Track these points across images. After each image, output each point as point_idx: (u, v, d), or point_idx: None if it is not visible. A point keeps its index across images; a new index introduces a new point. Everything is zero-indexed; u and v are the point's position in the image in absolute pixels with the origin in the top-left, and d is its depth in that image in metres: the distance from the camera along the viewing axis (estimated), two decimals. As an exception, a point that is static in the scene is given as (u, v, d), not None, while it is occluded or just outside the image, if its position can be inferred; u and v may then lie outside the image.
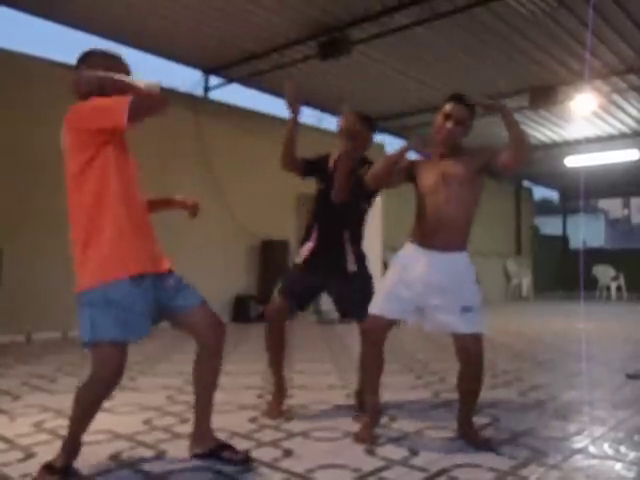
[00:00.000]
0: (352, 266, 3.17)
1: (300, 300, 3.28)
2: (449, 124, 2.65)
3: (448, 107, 2.67)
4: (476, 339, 2.63)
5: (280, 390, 3.26)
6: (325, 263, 3.17)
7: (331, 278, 3.20)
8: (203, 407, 2.45)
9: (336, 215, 3.16)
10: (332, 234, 3.19)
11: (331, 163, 3.27)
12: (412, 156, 2.83)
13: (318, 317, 8.56)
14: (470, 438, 2.69)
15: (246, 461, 2.37)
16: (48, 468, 2.13)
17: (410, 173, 2.80)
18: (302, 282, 3.22)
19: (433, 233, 2.67)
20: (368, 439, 2.68)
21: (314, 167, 3.29)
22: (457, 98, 2.67)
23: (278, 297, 3.22)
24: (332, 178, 3.17)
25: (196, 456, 2.43)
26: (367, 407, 2.85)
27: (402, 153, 2.70)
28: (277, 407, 3.19)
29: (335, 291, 3.27)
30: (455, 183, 2.65)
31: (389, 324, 2.73)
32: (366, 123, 3.23)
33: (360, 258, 3.24)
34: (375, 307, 2.75)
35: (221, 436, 2.71)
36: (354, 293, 3.14)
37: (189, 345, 6.40)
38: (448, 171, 2.68)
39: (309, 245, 3.22)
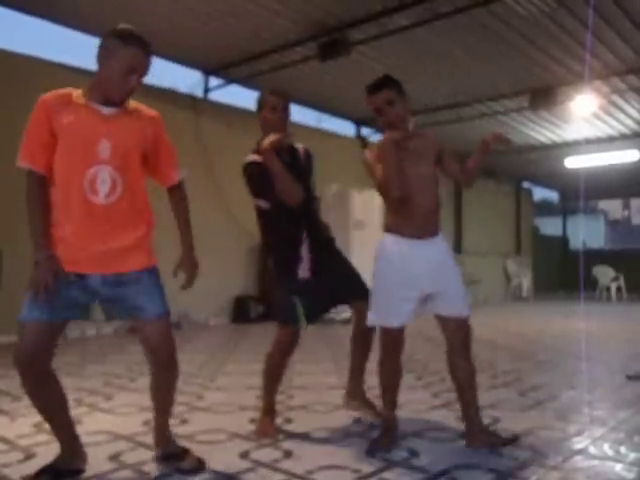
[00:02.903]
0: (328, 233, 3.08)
1: (321, 311, 3.08)
2: (379, 104, 2.62)
3: (373, 100, 2.63)
4: (467, 320, 2.67)
5: (274, 409, 3.01)
6: (323, 265, 2.95)
7: (333, 273, 2.98)
8: (160, 415, 2.41)
9: (304, 214, 2.91)
10: (315, 235, 2.97)
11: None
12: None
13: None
14: (480, 440, 2.60)
15: (193, 471, 2.30)
16: None
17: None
18: (320, 296, 2.94)
19: (420, 220, 2.62)
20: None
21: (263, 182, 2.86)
22: (373, 88, 2.62)
23: (301, 326, 2.90)
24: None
25: (156, 459, 2.40)
26: (382, 422, 2.75)
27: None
28: (272, 426, 2.93)
29: (331, 275, 2.97)
30: (423, 165, 2.65)
31: (404, 331, 2.68)
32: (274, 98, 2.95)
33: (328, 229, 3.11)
34: (387, 318, 2.63)
35: (221, 437, 2.72)
36: (345, 265, 3.04)
37: (189, 346, 6.42)
38: (413, 148, 2.65)
39: (304, 266, 2.91)
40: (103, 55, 2.16)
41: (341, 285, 3.00)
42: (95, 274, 2.18)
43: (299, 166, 2.95)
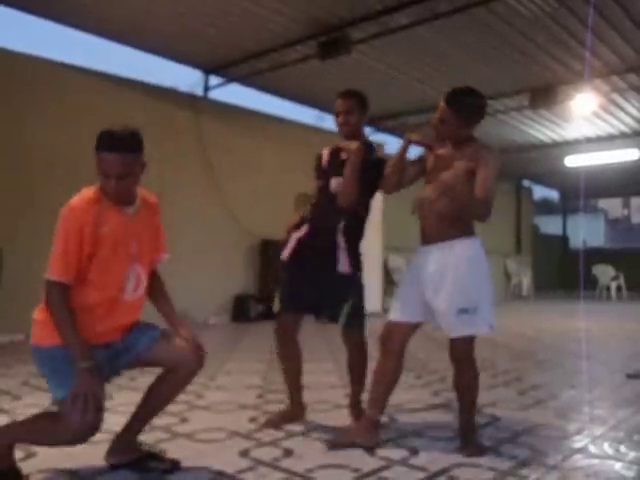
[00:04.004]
0: (343, 267, 2.89)
1: (309, 309, 3.00)
2: (434, 119, 2.67)
3: (440, 104, 2.65)
4: (465, 341, 2.55)
5: (295, 404, 3.05)
6: (313, 257, 2.93)
7: (319, 274, 2.93)
8: (144, 419, 2.40)
9: (332, 211, 2.91)
10: (325, 227, 2.94)
11: (325, 157, 3.12)
12: (414, 151, 2.83)
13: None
14: (462, 448, 2.56)
15: (172, 470, 2.30)
16: None
17: (425, 163, 2.79)
18: (298, 287, 2.96)
19: (427, 225, 2.64)
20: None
21: (319, 167, 3.15)
22: (447, 98, 2.62)
23: (283, 314, 3.01)
24: (326, 173, 3.03)
25: (113, 466, 2.34)
26: (363, 421, 2.72)
27: (403, 149, 2.70)
28: (281, 419, 2.97)
29: (319, 288, 2.94)
30: (444, 171, 2.61)
31: (406, 330, 2.64)
32: (357, 101, 3.01)
33: (354, 262, 2.95)
34: (390, 311, 2.71)
35: (221, 436, 2.72)
36: (338, 296, 2.91)
37: (189, 345, 6.34)
38: (442, 159, 2.65)
39: (297, 234, 3.01)
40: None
41: (327, 301, 2.95)
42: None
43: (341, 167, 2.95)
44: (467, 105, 2.62)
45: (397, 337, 2.65)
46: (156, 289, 2.46)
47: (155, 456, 2.39)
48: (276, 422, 2.95)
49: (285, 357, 3.07)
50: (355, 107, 2.97)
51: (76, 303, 2.18)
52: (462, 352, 2.58)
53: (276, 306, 3.04)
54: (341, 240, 2.91)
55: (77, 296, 2.18)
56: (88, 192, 2.23)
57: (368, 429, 2.65)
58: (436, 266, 2.57)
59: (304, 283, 2.95)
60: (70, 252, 2.14)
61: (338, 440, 2.67)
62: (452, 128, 2.61)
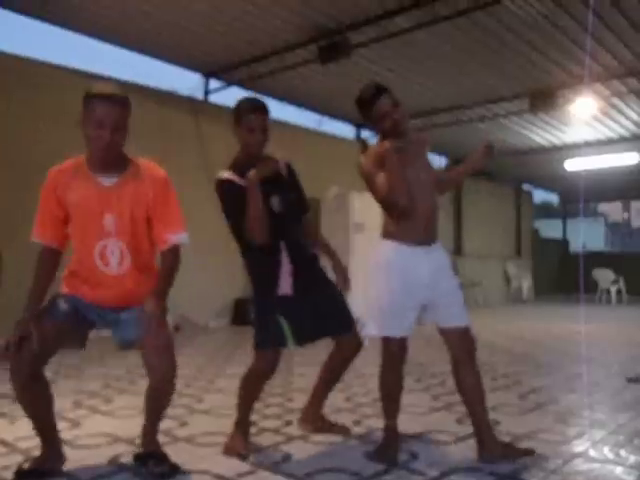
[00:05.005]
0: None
1: (310, 334, 2.74)
2: (402, 116, 2.67)
3: (379, 106, 2.68)
4: (469, 329, 2.59)
5: (248, 424, 2.75)
6: (308, 281, 2.71)
7: (317, 296, 2.74)
8: (148, 420, 2.38)
9: (287, 226, 2.69)
10: (296, 251, 2.70)
11: (240, 182, 2.62)
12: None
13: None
14: (491, 450, 2.48)
15: (162, 476, 2.25)
16: None
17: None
18: (300, 315, 2.66)
19: (423, 222, 2.56)
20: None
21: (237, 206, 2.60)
22: (373, 95, 2.71)
23: (271, 352, 2.63)
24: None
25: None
26: (384, 433, 2.63)
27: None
28: (243, 442, 2.64)
29: (316, 305, 2.74)
30: (423, 170, 2.62)
31: (407, 341, 2.62)
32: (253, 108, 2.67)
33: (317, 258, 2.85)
34: (390, 328, 2.54)
35: (221, 439, 2.71)
36: (337, 299, 2.80)
37: (189, 348, 6.41)
38: (407, 155, 2.57)
39: (285, 269, 2.66)
40: (81, 119, 2.21)
41: (329, 315, 2.76)
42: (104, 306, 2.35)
43: (282, 182, 2.76)
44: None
45: (403, 352, 2.61)
46: (159, 270, 2.39)
47: (155, 458, 2.34)
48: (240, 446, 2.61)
49: (261, 390, 2.76)
50: (268, 122, 2.69)
51: (71, 265, 2.33)
52: (472, 342, 2.58)
53: (280, 338, 2.62)
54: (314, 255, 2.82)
55: (73, 257, 2.33)
56: (70, 160, 2.33)
57: (394, 440, 2.59)
58: (435, 266, 2.56)
59: (307, 312, 2.68)
60: (44, 214, 2.29)
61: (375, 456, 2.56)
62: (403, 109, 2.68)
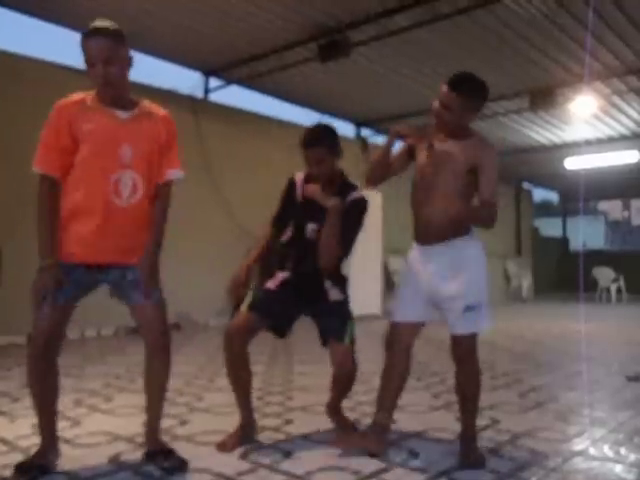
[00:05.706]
0: (335, 295, 2.81)
1: (278, 321, 2.81)
2: (435, 104, 2.57)
3: (442, 89, 2.55)
4: (468, 338, 2.52)
5: (245, 422, 2.75)
6: (301, 293, 2.80)
7: (309, 306, 2.83)
8: (150, 409, 2.45)
9: (311, 259, 2.75)
10: (306, 272, 2.79)
11: (299, 187, 2.84)
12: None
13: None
14: (463, 456, 2.47)
15: (171, 471, 2.28)
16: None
17: (412, 153, 2.71)
18: (280, 300, 2.78)
19: (424, 225, 2.56)
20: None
21: (285, 211, 2.89)
22: (454, 83, 2.50)
23: (245, 312, 2.71)
24: (300, 214, 2.82)
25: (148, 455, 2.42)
26: (373, 425, 2.62)
27: (389, 143, 2.66)
28: (236, 440, 2.66)
29: (312, 315, 2.85)
30: (443, 167, 2.53)
31: (411, 330, 2.61)
32: (325, 148, 2.75)
33: (342, 285, 2.87)
34: (393, 313, 2.66)
35: (221, 438, 2.71)
36: (332, 318, 2.79)
37: (188, 347, 6.40)
38: (439, 154, 2.56)
39: (282, 274, 2.83)
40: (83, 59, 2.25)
41: (315, 315, 2.83)
42: (104, 264, 2.30)
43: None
44: (474, 90, 2.53)
45: (403, 338, 2.62)
46: (153, 213, 2.38)
47: (163, 454, 2.37)
48: (231, 444, 2.64)
49: (233, 369, 2.70)
50: (325, 154, 2.73)
51: (69, 205, 2.26)
52: (466, 349, 2.52)
53: (243, 306, 2.75)
54: (326, 282, 2.81)
55: (68, 196, 2.26)
56: (80, 93, 2.33)
57: (376, 434, 2.59)
58: (445, 264, 2.51)
59: (288, 300, 2.78)
60: (51, 144, 2.24)
61: (342, 441, 2.64)
62: (456, 116, 2.52)
